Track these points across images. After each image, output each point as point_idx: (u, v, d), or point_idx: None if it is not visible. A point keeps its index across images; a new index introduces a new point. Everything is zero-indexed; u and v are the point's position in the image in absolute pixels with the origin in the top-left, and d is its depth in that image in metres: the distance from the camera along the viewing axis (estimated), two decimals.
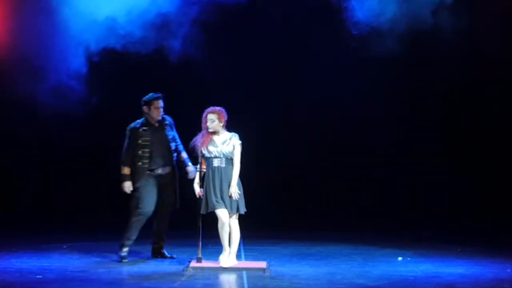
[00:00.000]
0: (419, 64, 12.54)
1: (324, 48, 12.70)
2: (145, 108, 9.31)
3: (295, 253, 9.97)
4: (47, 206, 13.23)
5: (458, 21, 10.97)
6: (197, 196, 8.80)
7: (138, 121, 9.35)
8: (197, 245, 8.80)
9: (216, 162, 8.64)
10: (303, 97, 13.13)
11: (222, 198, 8.57)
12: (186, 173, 9.24)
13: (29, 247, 10.11)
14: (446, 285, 7.83)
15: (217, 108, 8.76)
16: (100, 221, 12.61)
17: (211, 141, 8.68)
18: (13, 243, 10.42)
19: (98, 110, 12.42)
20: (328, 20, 12.01)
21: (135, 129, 9.29)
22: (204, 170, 8.73)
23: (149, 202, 9.17)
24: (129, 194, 9.30)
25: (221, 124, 8.70)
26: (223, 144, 8.67)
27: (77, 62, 11.30)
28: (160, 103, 9.28)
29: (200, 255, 8.72)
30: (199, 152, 8.73)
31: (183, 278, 8.10)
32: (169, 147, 9.27)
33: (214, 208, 8.56)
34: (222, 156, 8.64)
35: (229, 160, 8.64)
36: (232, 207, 8.58)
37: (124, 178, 9.28)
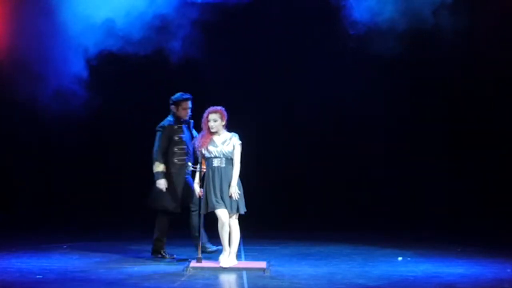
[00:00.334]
0: (419, 64, 12.53)
1: (324, 48, 12.70)
2: (173, 107, 9.29)
3: (295, 253, 9.97)
4: (47, 206, 13.23)
5: (458, 21, 10.97)
6: (197, 196, 8.81)
7: (169, 118, 9.27)
8: (197, 245, 8.81)
9: (216, 162, 8.64)
10: (303, 97, 13.13)
11: (222, 198, 8.57)
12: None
13: (29, 247, 10.10)
14: (446, 285, 7.83)
15: (218, 107, 8.76)
16: (100, 221, 12.63)
17: (211, 141, 8.68)
18: (13, 243, 10.41)
19: (98, 111, 12.42)
20: (327, 20, 12.01)
21: (169, 126, 9.21)
22: (204, 170, 8.73)
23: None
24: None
25: (223, 124, 8.71)
26: (223, 144, 8.66)
27: (77, 64, 11.30)
28: (189, 104, 9.26)
29: (200, 255, 8.72)
30: (199, 152, 8.74)
31: (183, 278, 8.10)
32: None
33: (214, 208, 8.56)
34: (222, 156, 8.64)
35: (229, 160, 8.64)
36: (232, 207, 8.58)
37: (160, 175, 9.12)
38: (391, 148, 13.00)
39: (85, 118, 12.37)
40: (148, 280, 7.98)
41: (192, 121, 9.35)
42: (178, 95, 9.32)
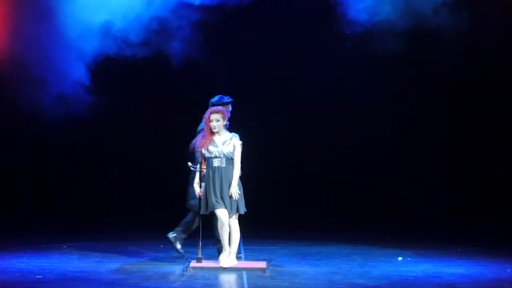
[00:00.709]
0: (418, 64, 12.53)
1: (324, 48, 12.69)
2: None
3: (295, 253, 9.97)
4: (47, 206, 13.24)
5: (458, 20, 10.96)
6: (197, 196, 8.81)
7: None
8: (197, 245, 8.80)
9: (216, 162, 8.64)
10: (303, 97, 13.13)
11: (222, 198, 8.56)
12: None
13: (29, 247, 10.10)
14: (446, 285, 7.83)
15: (220, 107, 8.78)
16: (100, 221, 12.63)
17: (212, 141, 8.68)
18: (13, 243, 10.41)
19: (98, 111, 12.41)
20: (327, 20, 11.99)
21: None
22: (204, 170, 8.73)
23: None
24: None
25: (224, 124, 8.72)
26: (224, 144, 8.66)
27: (77, 67, 11.28)
28: (229, 107, 9.18)
29: (200, 255, 8.72)
30: (199, 152, 8.73)
31: (183, 278, 8.10)
32: None
33: (214, 208, 8.56)
34: (222, 156, 8.63)
35: (230, 160, 8.64)
36: (232, 207, 8.57)
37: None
38: (391, 148, 13.00)
39: (85, 120, 12.37)
40: (148, 280, 7.98)
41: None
42: (217, 97, 9.22)
